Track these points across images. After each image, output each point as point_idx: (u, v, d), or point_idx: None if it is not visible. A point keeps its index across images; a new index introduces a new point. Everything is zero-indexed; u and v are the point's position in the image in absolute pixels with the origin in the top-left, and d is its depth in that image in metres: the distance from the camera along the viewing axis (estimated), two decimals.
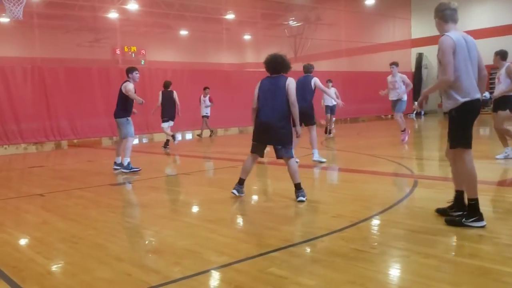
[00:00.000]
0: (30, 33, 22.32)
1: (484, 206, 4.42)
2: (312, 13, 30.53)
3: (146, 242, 4.47)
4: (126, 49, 29.95)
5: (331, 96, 10.43)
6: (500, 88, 7.90)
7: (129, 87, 8.38)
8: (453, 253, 3.79)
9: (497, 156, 8.20)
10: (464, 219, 4.25)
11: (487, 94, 7.09)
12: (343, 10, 26.93)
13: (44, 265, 3.75)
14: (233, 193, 5.89)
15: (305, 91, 8.70)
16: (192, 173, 8.92)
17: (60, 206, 6.01)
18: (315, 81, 8.80)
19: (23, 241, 4.62)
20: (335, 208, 5.29)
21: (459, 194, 4.53)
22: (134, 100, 8.46)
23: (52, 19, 25.68)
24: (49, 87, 14.81)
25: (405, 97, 11.51)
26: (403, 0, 27.06)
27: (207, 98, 15.82)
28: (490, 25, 22.35)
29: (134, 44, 30.35)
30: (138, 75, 8.57)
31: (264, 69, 5.91)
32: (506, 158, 8.10)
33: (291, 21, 32.22)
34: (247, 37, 32.91)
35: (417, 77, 26.71)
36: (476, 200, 4.26)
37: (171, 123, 12.84)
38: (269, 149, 6.10)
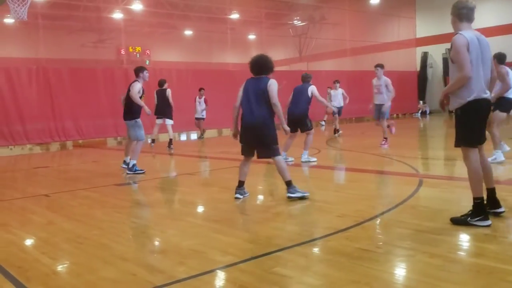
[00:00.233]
0: (35, 34, 22.40)
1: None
2: (316, 12, 30.52)
3: (151, 242, 4.48)
4: (130, 49, 30.09)
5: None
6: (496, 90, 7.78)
7: (135, 89, 8.20)
8: (458, 253, 3.77)
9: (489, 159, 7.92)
10: (469, 218, 4.24)
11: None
12: (348, 10, 26.88)
13: (49, 265, 3.76)
14: (237, 197, 5.86)
15: (300, 98, 8.74)
16: (197, 173, 8.92)
17: (66, 207, 6.03)
18: (312, 89, 8.76)
19: (28, 242, 4.64)
20: (340, 207, 5.28)
21: (489, 192, 4.48)
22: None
23: (56, 19, 25.77)
24: (54, 87, 14.85)
25: (389, 103, 10.63)
26: None
27: (202, 99, 15.65)
28: (496, 23, 22.20)
29: (139, 44, 30.47)
30: (148, 74, 8.53)
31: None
32: (493, 161, 7.35)
33: (296, 21, 32.23)
34: (251, 36, 32.88)
35: (422, 76, 26.69)
36: (482, 199, 4.25)
37: (170, 121, 12.90)
38: None
